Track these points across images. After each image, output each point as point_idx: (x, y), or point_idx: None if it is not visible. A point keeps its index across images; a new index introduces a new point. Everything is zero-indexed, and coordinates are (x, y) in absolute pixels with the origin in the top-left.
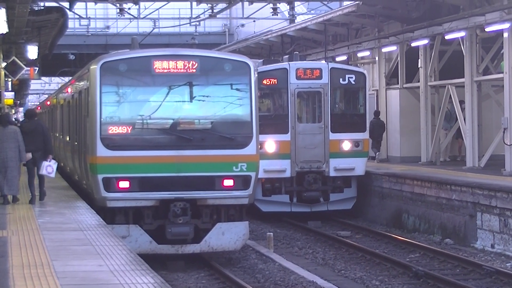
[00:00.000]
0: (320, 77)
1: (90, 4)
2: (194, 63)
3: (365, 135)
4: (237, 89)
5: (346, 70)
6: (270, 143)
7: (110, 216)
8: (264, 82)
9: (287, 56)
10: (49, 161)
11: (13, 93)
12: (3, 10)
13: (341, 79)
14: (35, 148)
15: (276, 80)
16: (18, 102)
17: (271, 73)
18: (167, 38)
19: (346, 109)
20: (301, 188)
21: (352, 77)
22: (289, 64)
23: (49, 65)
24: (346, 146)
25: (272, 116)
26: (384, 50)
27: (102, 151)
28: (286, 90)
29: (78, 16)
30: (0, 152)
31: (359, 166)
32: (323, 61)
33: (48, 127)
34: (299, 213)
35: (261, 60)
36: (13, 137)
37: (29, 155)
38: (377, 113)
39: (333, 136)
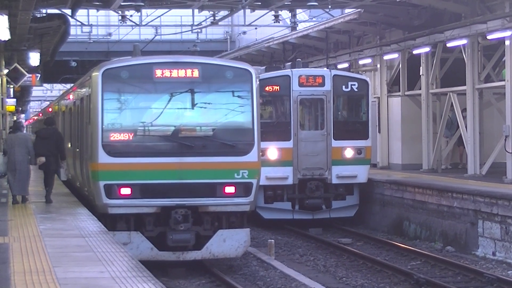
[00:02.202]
0: (322, 84)
1: (92, 11)
2: (195, 70)
3: (367, 143)
4: (238, 96)
5: (349, 77)
6: (272, 150)
7: (112, 222)
8: (267, 89)
9: (290, 63)
10: (64, 167)
11: (15, 99)
12: (5, 17)
13: (343, 87)
14: (48, 153)
15: (278, 87)
16: (20, 108)
17: (274, 80)
18: (168, 45)
19: (348, 117)
20: (303, 196)
21: (354, 84)
22: (291, 71)
23: (51, 72)
24: (349, 153)
25: (274, 123)
26: (386, 57)
27: (103, 158)
28: (288, 97)
29: (80, 23)
30: (10, 156)
31: (361, 173)
32: (326, 68)
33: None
34: (301, 220)
35: (264, 67)
36: (23, 143)
37: (42, 159)
38: None
39: (335, 143)
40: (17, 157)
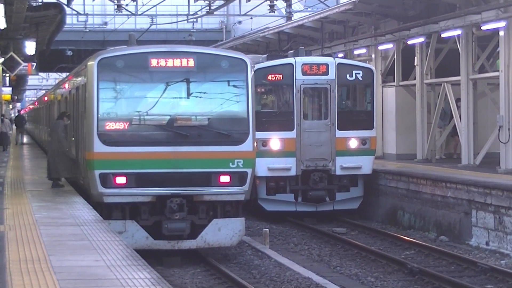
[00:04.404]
0: (326, 72)
1: (88, 0)
2: (191, 59)
3: (372, 133)
4: (234, 86)
5: (353, 65)
6: (275, 141)
7: (107, 211)
8: (269, 77)
9: (292, 51)
10: None
11: (10, 88)
12: (1, 6)
13: (348, 75)
14: None
15: (281, 75)
16: (16, 97)
17: (276, 68)
18: (164, 34)
19: (353, 106)
20: (306, 187)
21: (359, 73)
22: (294, 59)
23: (46, 60)
24: (353, 144)
25: (277, 112)
26: (381, 47)
27: (99, 147)
28: (291, 86)
29: (76, 12)
30: (50, 141)
31: (366, 164)
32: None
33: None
34: (305, 212)
35: (265, 55)
36: (55, 130)
37: None
38: None
39: (339, 133)
40: (52, 143)
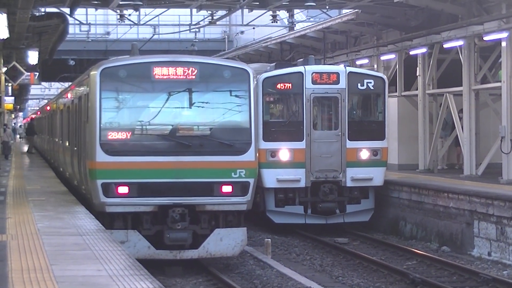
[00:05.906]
0: (337, 81)
1: (91, 10)
2: (193, 69)
3: (384, 143)
4: (236, 96)
5: (365, 74)
6: (284, 151)
7: (109, 221)
8: (278, 86)
9: (302, 59)
10: None
11: (13, 98)
12: (4, 16)
13: (359, 84)
14: None
15: (290, 84)
16: (18, 107)
17: (285, 77)
18: (167, 44)
19: (364, 116)
20: (316, 199)
21: (370, 82)
22: (304, 67)
23: (49, 70)
24: (364, 154)
25: (286, 122)
26: (383, 58)
27: (101, 157)
28: (301, 95)
29: (78, 22)
30: None
31: (377, 176)
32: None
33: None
34: (314, 225)
35: (274, 63)
36: None
37: None
38: None
39: (350, 144)
40: None
